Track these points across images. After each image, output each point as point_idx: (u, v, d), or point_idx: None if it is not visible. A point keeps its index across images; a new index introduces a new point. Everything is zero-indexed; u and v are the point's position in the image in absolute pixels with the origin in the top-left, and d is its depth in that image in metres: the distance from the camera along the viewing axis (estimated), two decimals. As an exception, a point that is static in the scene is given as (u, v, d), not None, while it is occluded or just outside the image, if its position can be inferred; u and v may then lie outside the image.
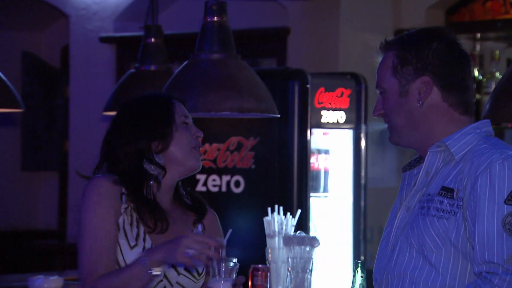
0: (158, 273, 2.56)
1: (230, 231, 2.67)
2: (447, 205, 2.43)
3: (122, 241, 2.64)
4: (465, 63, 2.53)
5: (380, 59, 2.59)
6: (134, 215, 2.66)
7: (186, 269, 2.70)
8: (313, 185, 5.08)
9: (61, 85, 7.86)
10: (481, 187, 2.37)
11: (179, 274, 2.69)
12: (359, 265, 2.53)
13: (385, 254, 2.59)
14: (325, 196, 5.18)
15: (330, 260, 5.05)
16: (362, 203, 5.23)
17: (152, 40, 4.80)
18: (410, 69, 2.50)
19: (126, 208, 2.65)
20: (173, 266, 2.67)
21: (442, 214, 2.43)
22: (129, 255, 2.63)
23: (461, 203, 2.40)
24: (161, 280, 2.67)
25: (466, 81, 2.52)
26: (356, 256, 5.23)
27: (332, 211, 5.22)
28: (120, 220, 2.64)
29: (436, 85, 2.49)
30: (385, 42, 2.58)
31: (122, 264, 2.63)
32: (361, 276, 2.52)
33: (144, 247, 2.65)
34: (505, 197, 2.34)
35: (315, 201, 5.09)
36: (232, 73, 3.62)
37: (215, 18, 3.68)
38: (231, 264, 2.56)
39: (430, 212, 2.45)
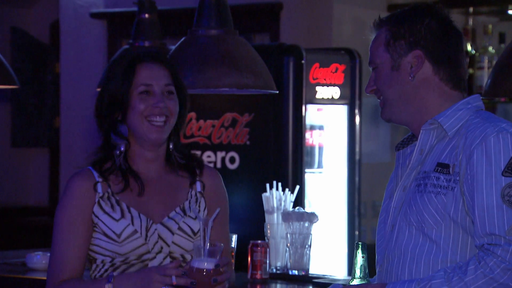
0: None
1: (218, 210, 2.65)
2: (444, 180, 2.44)
3: (106, 219, 2.65)
4: (457, 39, 2.56)
5: (373, 36, 2.61)
6: (113, 198, 2.67)
7: (180, 228, 2.68)
8: (308, 161, 5.09)
9: (51, 61, 7.82)
10: (477, 161, 2.38)
11: (173, 233, 2.68)
12: (360, 246, 2.53)
13: (384, 234, 2.60)
14: (320, 172, 5.19)
15: (324, 235, 5.06)
16: (357, 179, 5.24)
17: (146, 15, 4.77)
18: (402, 43, 2.52)
19: (101, 196, 2.66)
20: (166, 226, 2.66)
21: (439, 190, 2.44)
22: (115, 226, 2.64)
23: (457, 178, 2.42)
24: (157, 242, 2.66)
25: (458, 56, 2.55)
26: (350, 231, 5.24)
27: (326, 187, 5.22)
28: (96, 208, 2.65)
29: (428, 59, 2.52)
30: (378, 19, 2.60)
31: (112, 235, 2.63)
32: (362, 257, 2.52)
33: (131, 218, 2.65)
34: (502, 169, 2.36)
35: (310, 177, 5.09)
36: (231, 49, 3.61)
37: (213, -6, 3.67)
38: (216, 245, 2.53)
39: (427, 188, 2.47)
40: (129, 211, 2.66)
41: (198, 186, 2.76)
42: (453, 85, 2.54)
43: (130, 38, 4.80)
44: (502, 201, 2.34)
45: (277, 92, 3.76)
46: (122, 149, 2.68)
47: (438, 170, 2.46)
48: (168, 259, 2.67)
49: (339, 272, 5.14)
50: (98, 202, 2.66)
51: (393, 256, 2.54)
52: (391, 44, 2.53)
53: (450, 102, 2.53)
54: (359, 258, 2.52)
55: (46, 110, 7.90)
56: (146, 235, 2.65)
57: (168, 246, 2.67)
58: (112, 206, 2.66)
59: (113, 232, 2.64)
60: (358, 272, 2.52)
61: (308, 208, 3.84)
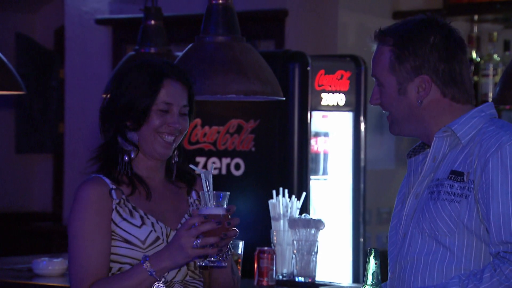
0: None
1: (213, 165, 2.70)
2: (458, 188, 2.44)
3: (128, 226, 2.63)
4: (461, 54, 2.53)
5: (375, 47, 2.58)
6: (129, 205, 2.66)
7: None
8: (313, 167, 5.09)
9: (55, 67, 7.82)
10: (492, 169, 2.38)
11: None
12: (373, 252, 2.51)
13: (396, 242, 2.60)
14: (325, 179, 5.19)
15: (329, 242, 5.06)
16: (362, 186, 5.24)
17: (152, 22, 4.78)
18: (407, 67, 2.50)
19: (118, 203, 2.65)
20: None
21: (453, 197, 2.44)
22: (138, 233, 2.63)
23: (472, 186, 2.41)
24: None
25: (463, 72, 2.52)
26: (355, 238, 5.24)
27: (331, 194, 5.22)
28: (114, 215, 2.64)
29: (435, 82, 2.50)
30: (379, 31, 2.56)
31: (136, 242, 2.63)
32: (375, 263, 2.51)
33: (152, 224, 2.65)
34: None
35: (315, 184, 5.09)
36: (238, 56, 3.61)
37: (220, 1, 3.67)
38: (222, 193, 2.57)
39: (441, 196, 2.46)
40: (148, 218, 2.66)
41: (193, 194, 2.81)
42: (464, 100, 2.53)
43: (135, 44, 4.81)
44: None
45: (284, 99, 3.77)
46: (133, 156, 2.68)
47: (452, 178, 2.45)
48: (185, 265, 2.69)
49: (343, 279, 5.14)
50: (116, 208, 2.65)
51: (405, 263, 2.53)
52: (396, 67, 2.51)
53: (462, 114, 2.52)
54: (372, 264, 2.51)
55: (50, 116, 7.90)
56: (167, 242, 2.65)
57: None
58: (130, 213, 2.65)
59: (137, 238, 2.63)
60: (370, 279, 2.51)
61: (314, 215, 3.84)
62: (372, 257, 2.51)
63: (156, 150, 2.69)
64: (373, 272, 2.51)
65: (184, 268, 2.69)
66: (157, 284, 2.59)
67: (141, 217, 2.65)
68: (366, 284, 2.52)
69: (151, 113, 2.67)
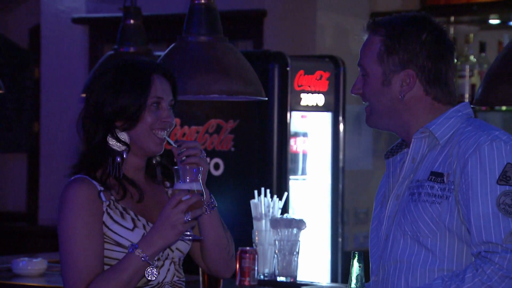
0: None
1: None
2: (438, 189, 2.44)
3: (120, 229, 2.60)
4: (449, 56, 2.55)
5: (365, 37, 2.58)
6: (119, 206, 2.62)
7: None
8: (292, 167, 5.10)
9: (30, 66, 7.77)
10: (471, 170, 2.39)
11: None
12: (357, 256, 2.52)
13: (378, 244, 2.60)
14: (303, 179, 5.20)
15: (308, 242, 5.07)
16: (340, 186, 5.25)
17: (131, 21, 4.77)
18: (395, 59, 2.50)
19: (108, 205, 2.60)
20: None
21: (434, 199, 2.44)
22: (131, 236, 2.60)
23: (452, 187, 2.42)
24: (165, 249, 2.65)
25: (448, 73, 2.54)
26: (334, 238, 5.26)
27: (310, 194, 5.24)
28: (105, 217, 2.59)
29: (420, 79, 2.50)
30: (373, 21, 2.56)
31: (129, 245, 2.59)
32: (359, 266, 2.52)
33: (144, 226, 2.62)
34: (497, 177, 2.37)
35: (294, 184, 5.10)
36: (220, 56, 3.61)
37: (203, 0, 3.66)
38: (196, 168, 2.56)
39: (422, 197, 2.47)
40: (138, 219, 2.63)
41: (169, 189, 2.76)
42: (445, 101, 2.54)
43: (112, 43, 4.80)
44: (498, 209, 2.35)
45: (267, 99, 3.77)
46: (125, 156, 2.64)
47: (432, 179, 2.46)
48: (173, 265, 2.67)
49: (322, 278, 5.16)
50: (107, 211, 2.60)
51: (388, 266, 2.54)
52: (384, 58, 2.51)
53: (441, 114, 2.53)
54: (356, 268, 2.52)
55: (24, 115, 7.84)
56: None
57: (172, 251, 2.67)
58: (121, 215, 2.61)
59: (129, 241, 2.58)
60: (354, 282, 2.52)
61: (293, 215, 3.84)
62: (356, 260, 2.51)
63: (151, 148, 2.66)
64: (357, 275, 2.51)
65: (173, 269, 2.68)
66: (151, 270, 2.56)
67: (132, 219, 2.62)
68: (351, 287, 2.53)
69: (145, 110, 2.63)
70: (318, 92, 5.16)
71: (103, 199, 2.60)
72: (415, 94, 2.51)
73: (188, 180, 2.55)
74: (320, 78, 5.16)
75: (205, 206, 2.63)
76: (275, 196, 3.86)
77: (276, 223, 3.74)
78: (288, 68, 4.96)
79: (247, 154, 4.99)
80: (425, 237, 2.46)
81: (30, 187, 7.79)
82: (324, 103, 5.19)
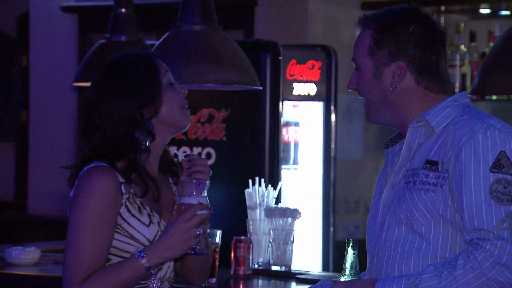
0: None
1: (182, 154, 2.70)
2: (433, 177, 2.47)
3: (137, 223, 2.58)
4: (440, 45, 2.58)
5: (358, 33, 2.63)
6: (138, 200, 2.60)
7: None
8: (283, 157, 5.10)
9: (18, 54, 7.72)
10: (465, 158, 2.42)
11: None
12: (351, 243, 2.53)
13: (374, 232, 2.63)
14: (295, 168, 5.20)
15: (299, 231, 5.08)
16: (332, 175, 5.26)
17: (123, 10, 4.74)
18: (385, 52, 2.55)
19: (128, 198, 2.58)
20: None
21: (428, 187, 2.47)
22: (146, 231, 2.59)
23: (446, 175, 2.45)
24: None
25: (440, 63, 2.57)
26: (325, 228, 5.27)
27: (301, 183, 5.24)
28: (123, 210, 2.57)
29: (410, 70, 2.54)
30: (363, 17, 2.61)
31: (143, 240, 2.58)
32: (354, 254, 2.53)
33: (158, 223, 2.61)
34: (490, 165, 2.39)
35: (285, 173, 5.10)
36: (215, 45, 3.60)
37: (197, -11, 3.66)
38: (205, 183, 2.59)
39: (416, 186, 2.50)
40: (153, 215, 2.62)
41: (170, 179, 2.76)
42: (438, 90, 2.57)
43: (101, 32, 4.77)
44: (490, 197, 2.37)
45: (261, 88, 3.77)
46: (148, 144, 2.62)
47: (427, 167, 2.49)
48: (172, 261, 2.68)
49: (313, 267, 5.16)
50: (125, 203, 2.57)
51: (383, 253, 2.56)
52: (375, 52, 2.57)
53: (436, 103, 2.55)
54: (350, 255, 2.53)
55: (12, 104, 7.80)
56: None
57: None
58: (139, 209, 2.60)
59: (144, 237, 2.58)
60: (349, 269, 2.53)
61: (290, 204, 3.85)
62: (350, 247, 2.53)
63: (184, 122, 2.66)
64: (352, 262, 2.53)
65: (172, 265, 2.68)
66: (154, 280, 2.57)
67: (149, 215, 2.60)
68: (345, 274, 2.54)
69: (165, 88, 2.64)
70: (310, 82, 5.16)
71: (123, 191, 2.58)
72: (406, 85, 2.55)
73: (196, 194, 2.56)
74: (312, 68, 5.16)
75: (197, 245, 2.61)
76: (269, 186, 3.86)
77: (270, 213, 3.74)
78: (280, 58, 4.95)
79: (239, 143, 4.99)
80: (420, 225, 2.48)
81: (18, 176, 7.76)
82: (316, 92, 5.19)
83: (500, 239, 2.35)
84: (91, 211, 2.53)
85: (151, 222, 2.60)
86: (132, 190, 2.59)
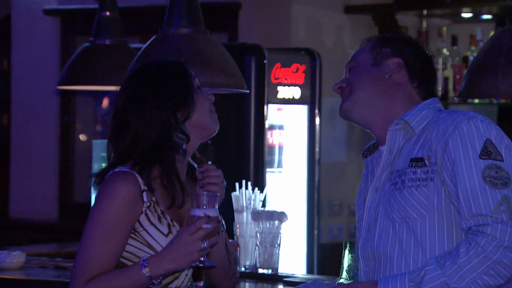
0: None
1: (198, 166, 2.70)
2: (421, 173, 2.52)
3: (155, 232, 2.58)
4: (433, 66, 2.72)
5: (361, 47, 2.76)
6: (159, 209, 2.59)
7: None
8: (268, 160, 5.11)
9: (-1, 57, 7.69)
10: (454, 148, 2.47)
11: None
12: (348, 246, 2.55)
13: (362, 235, 2.65)
14: (280, 172, 5.21)
15: (284, 234, 5.08)
16: (316, 178, 5.27)
17: (107, 13, 4.74)
18: (388, 50, 2.68)
19: (148, 206, 2.58)
20: None
21: (419, 183, 2.52)
22: (164, 241, 2.59)
23: (435, 168, 2.50)
24: None
25: (432, 77, 2.71)
26: (310, 230, 5.28)
27: (286, 186, 5.25)
28: (142, 218, 2.57)
29: (406, 69, 2.66)
30: (367, 38, 2.75)
31: (159, 249, 2.57)
32: (351, 257, 2.55)
33: (178, 232, 2.60)
34: (479, 152, 2.45)
35: (270, 176, 5.11)
36: (202, 48, 3.60)
37: (184, -8, 3.65)
38: (216, 195, 2.59)
39: (406, 184, 2.53)
40: (173, 225, 2.61)
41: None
42: (422, 96, 2.67)
43: (84, 35, 4.76)
44: (484, 182, 2.42)
45: (248, 91, 3.77)
46: (185, 146, 2.64)
47: (413, 165, 2.54)
48: (191, 270, 2.69)
49: (297, 270, 5.17)
50: (145, 212, 2.57)
51: (379, 255, 2.58)
52: (377, 48, 2.69)
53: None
54: (347, 258, 2.54)
55: (-7, 108, 7.77)
56: None
57: None
58: (159, 218, 2.59)
59: (160, 245, 2.58)
60: (346, 272, 2.54)
61: (277, 208, 3.85)
62: (347, 250, 2.54)
63: (214, 127, 2.73)
64: (349, 265, 2.54)
65: (190, 274, 2.68)
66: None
67: (168, 225, 2.60)
68: (342, 278, 2.55)
69: (196, 92, 2.68)
70: (295, 85, 5.17)
71: (145, 199, 2.58)
72: (399, 80, 2.64)
73: (206, 206, 2.55)
74: (297, 71, 5.18)
75: (207, 257, 2.61)
76: (256, 189, 3.86)
77: (257, 216, 3.74)
78: (265, 61, 4.96)
79: (224, 146, 4.99)
80: (414, 221, 2.51)
81: (0, 180, 7.72)
82: (301, 96, 5.20)
83: (499, 222, 2.38)
84: (107, 216, 2.53)
85: (169, 232, 2.60)
86: (154, 199, 2.59)
